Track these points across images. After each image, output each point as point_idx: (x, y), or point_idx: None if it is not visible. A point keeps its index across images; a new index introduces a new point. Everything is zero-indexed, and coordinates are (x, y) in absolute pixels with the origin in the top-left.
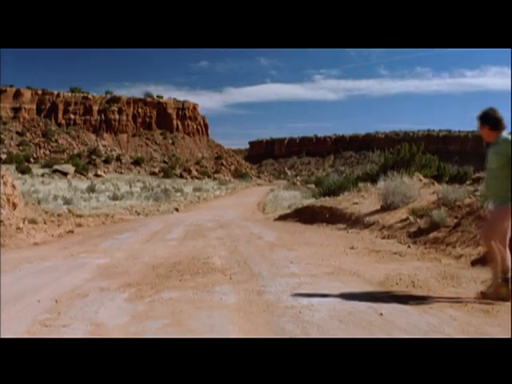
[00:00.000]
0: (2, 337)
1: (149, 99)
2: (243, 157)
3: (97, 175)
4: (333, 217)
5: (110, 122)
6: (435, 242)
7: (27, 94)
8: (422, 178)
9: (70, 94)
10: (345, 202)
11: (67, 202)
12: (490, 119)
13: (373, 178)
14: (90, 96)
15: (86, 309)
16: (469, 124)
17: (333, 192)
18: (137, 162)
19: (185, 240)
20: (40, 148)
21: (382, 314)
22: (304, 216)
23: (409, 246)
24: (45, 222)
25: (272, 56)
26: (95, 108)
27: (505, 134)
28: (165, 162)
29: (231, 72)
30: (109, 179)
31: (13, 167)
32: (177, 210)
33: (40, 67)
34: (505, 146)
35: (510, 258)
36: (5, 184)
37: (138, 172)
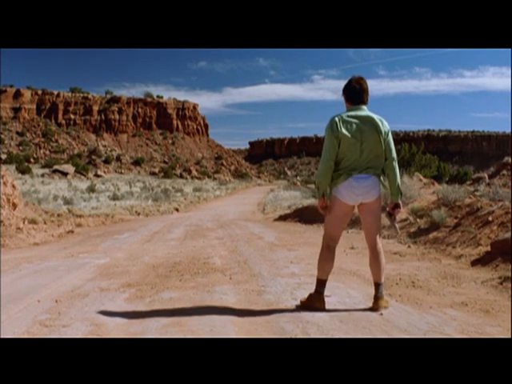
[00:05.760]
0: (1, 337)
1: (149, 99)
2: (243, 157)
3: (97, 175)
4: None
5: (109, 122)
6: (435, 242)
7: (27, 94)
8: (422, 178)
9: (70, 94)
10: None
11: (67, 202)
12: (346, 87)
13: None
14: (90, 96)
15: (86, 309)
16: (469, 124)
17: None
18: (137, 162)
19: (185, 240)
20: (40, 148)
21: (382, 314)
22: (304, 216)
23: (409, 246)
24: (45, 222)
25: (271, 56)
26: (95, 108)
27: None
28: (165, 162)
29: (230, 72)
30: (109, 179)
31: (13, 167)
32: (177, 210)
33: (40, 67)
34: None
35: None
36: (5, 184)
37: (138, 172)
